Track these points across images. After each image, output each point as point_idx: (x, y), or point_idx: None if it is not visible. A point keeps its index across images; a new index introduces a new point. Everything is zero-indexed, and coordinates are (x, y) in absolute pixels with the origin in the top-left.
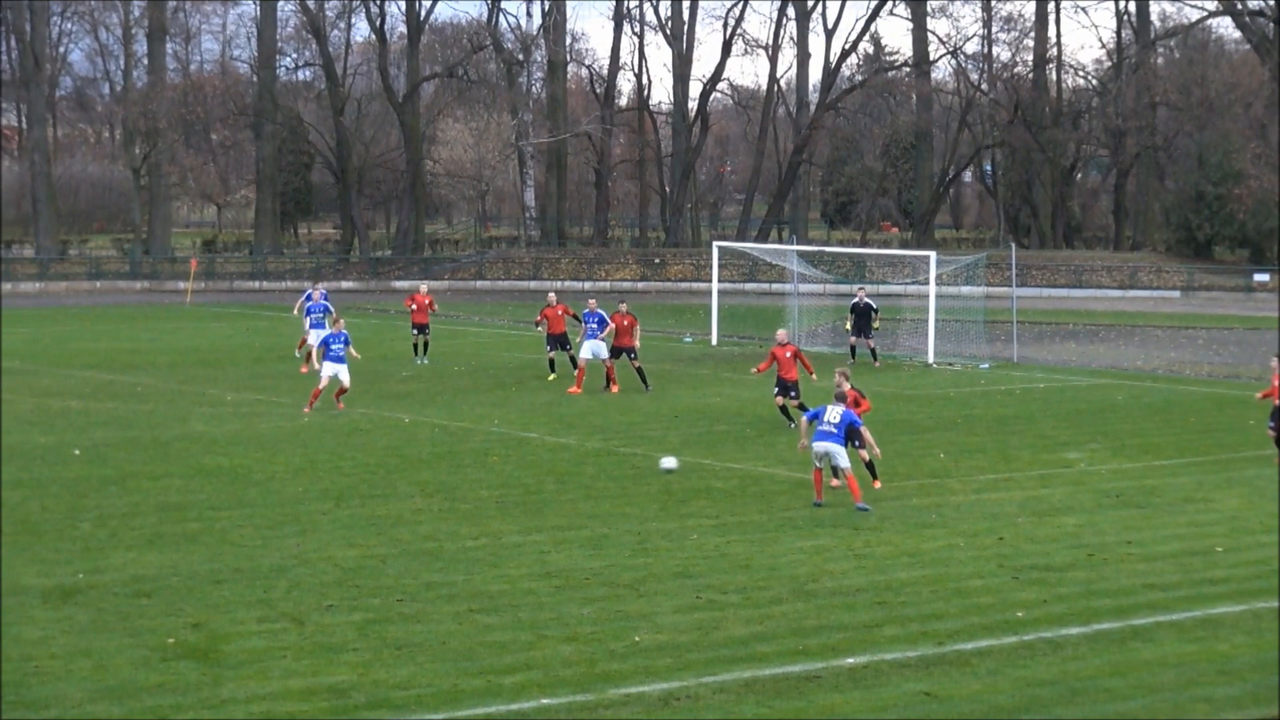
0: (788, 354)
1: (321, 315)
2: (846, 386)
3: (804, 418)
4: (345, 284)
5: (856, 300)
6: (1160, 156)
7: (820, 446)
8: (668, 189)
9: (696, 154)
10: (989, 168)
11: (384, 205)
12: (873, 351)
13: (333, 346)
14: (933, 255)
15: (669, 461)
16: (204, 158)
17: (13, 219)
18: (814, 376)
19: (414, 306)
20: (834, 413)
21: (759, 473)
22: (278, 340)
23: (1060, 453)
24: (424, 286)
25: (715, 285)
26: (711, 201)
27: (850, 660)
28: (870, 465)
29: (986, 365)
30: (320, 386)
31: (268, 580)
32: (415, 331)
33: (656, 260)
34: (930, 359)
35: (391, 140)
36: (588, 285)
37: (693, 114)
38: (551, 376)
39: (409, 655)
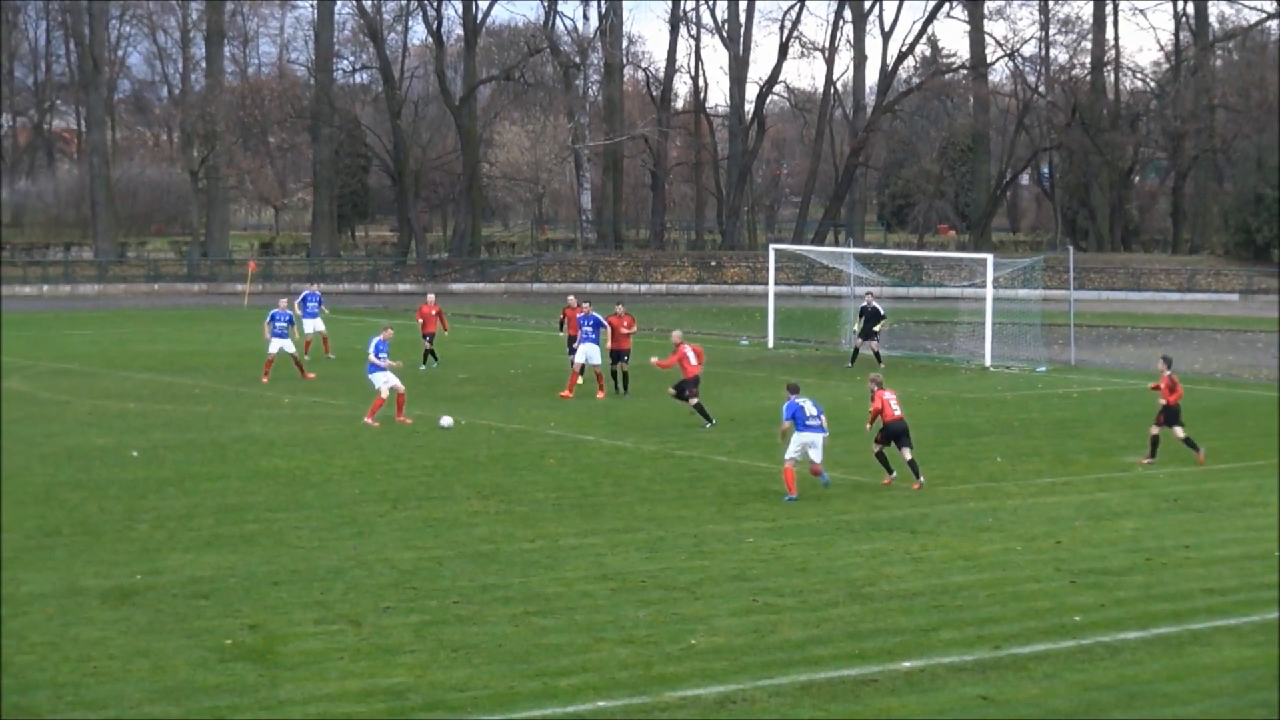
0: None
1: (286, 325)
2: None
3: (784, 420)
4: (402, 286)
5: (865, 304)
6: (1219, 159)
7: (809, 438)
8: (724, 192)
9: (753, 156)
10: (1046, 170)
11: (441, 208)
12: (876, 355)
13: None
14: (990, 258)
15: (446, 420)
16: (261, 160)
17: (72, 221)
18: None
19: (421, 320)
20: (812, 405)
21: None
22: (335, 343)
23: (1118, 456)
24: (431, 297)
25: (772, 288)
26: (768, 204)
27: (907, 664)
28: (913, 465)
29: (1044, 368)
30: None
31: (325, 582)
32: (426, 340)
33: (713, 263)
34: (987, 362)
35: (448, 143)
36: (644, 288)
37: (749, 116)
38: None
39: (465, 657)
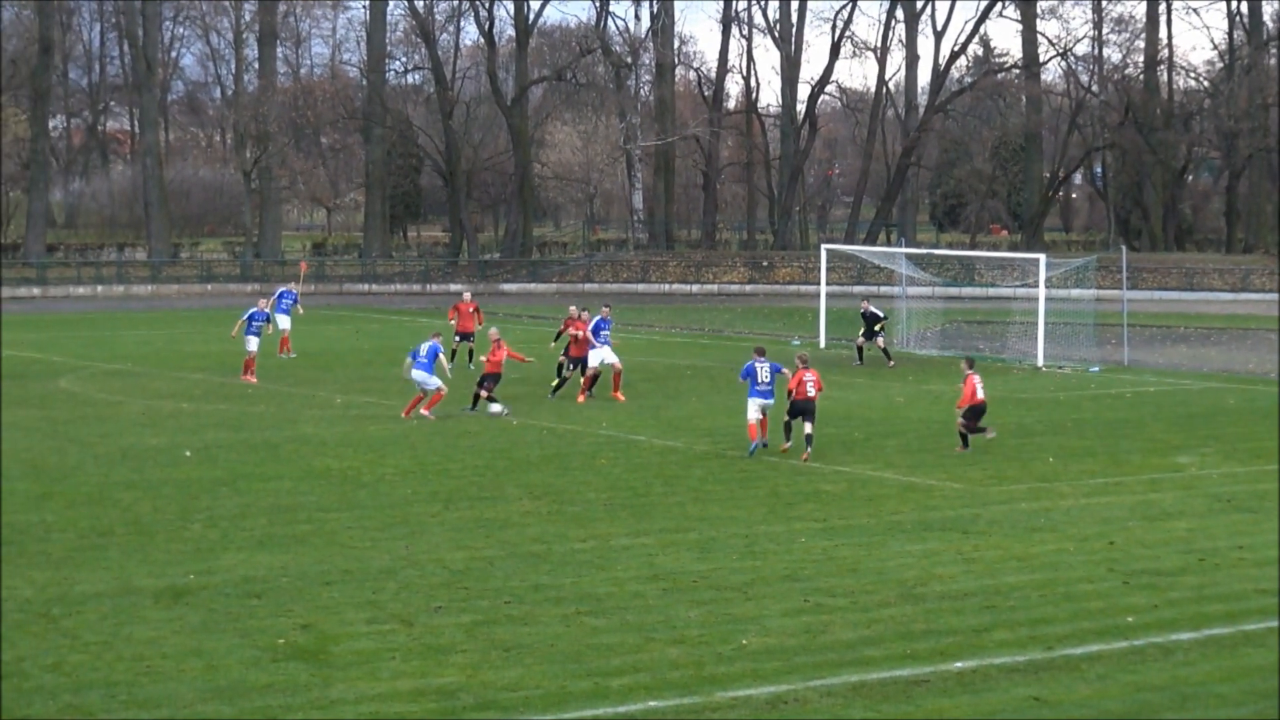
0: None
1: (262, 324)
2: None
3: (740, 377)
4: (454, 286)
5: (863, 309)
6: (1273, 158)
7: (761, 403)
8: (776, 192)
9: (804, 157)
10: (1099, 170)
11: (492, 208)
12: (885, 351)
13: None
14: (1042, 258)
15: (496, 408)
16: (314, 161)
17: (125, 222)
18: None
19: (456, 318)
20: (768, 371)
21: (866, 476)
22: (387, 343)
23: (1171, 457)
24: (468, 294)
25: (823, 288)
26: (819, 204)
27: (959, 665)
28: (808, 438)
29: (1096, 369)
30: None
31: (377, 582)
32: (459, 339)
33: (764, 263)
34: (1040, 362)
35: (500, 143)
36: (695, 288)
37: (801, 116)
38: (555, 381)
39: (517, 657)
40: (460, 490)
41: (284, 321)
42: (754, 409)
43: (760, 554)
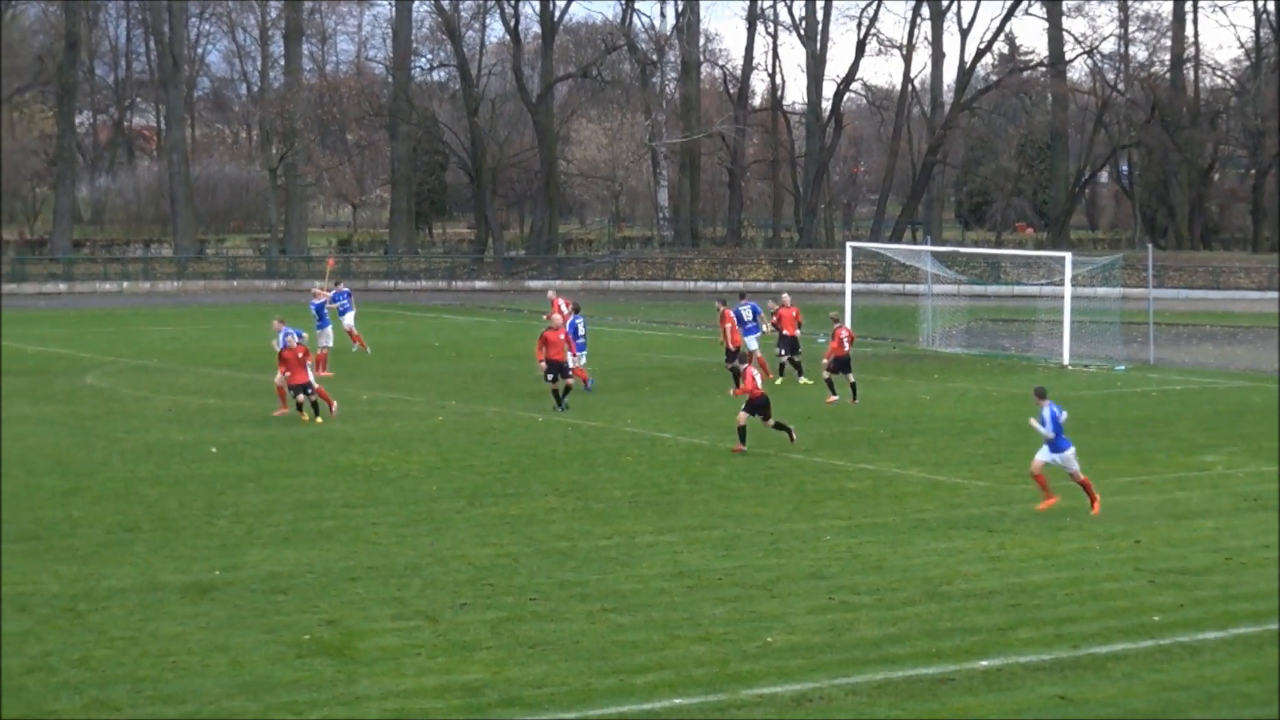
0: (560, 336)
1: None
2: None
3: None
4: (479, 284)
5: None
6: None
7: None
8: (801, 189)
9: (830, 154)
10: (1125, 168)
11: (518, 205)
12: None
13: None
14: (1068, 256)
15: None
16: (340, 158)
17: (151, 218)
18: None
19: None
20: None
21: (892, 474)
22: (412, 339)
23: (1197, 455)
24: (559, 307)
25: (849, 286)
26: (845, 202)
27: (984, 663)
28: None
29: (1122, 367)
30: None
31: (402, 578)
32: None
33: (790, 260)
34: (1065, 360)
35: (525, 140)
36: (720, 285)
37: (826, 114)
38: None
39: (542, 654)
40: (485, 487)
41: (349, 319)
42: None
43: (785, 551)
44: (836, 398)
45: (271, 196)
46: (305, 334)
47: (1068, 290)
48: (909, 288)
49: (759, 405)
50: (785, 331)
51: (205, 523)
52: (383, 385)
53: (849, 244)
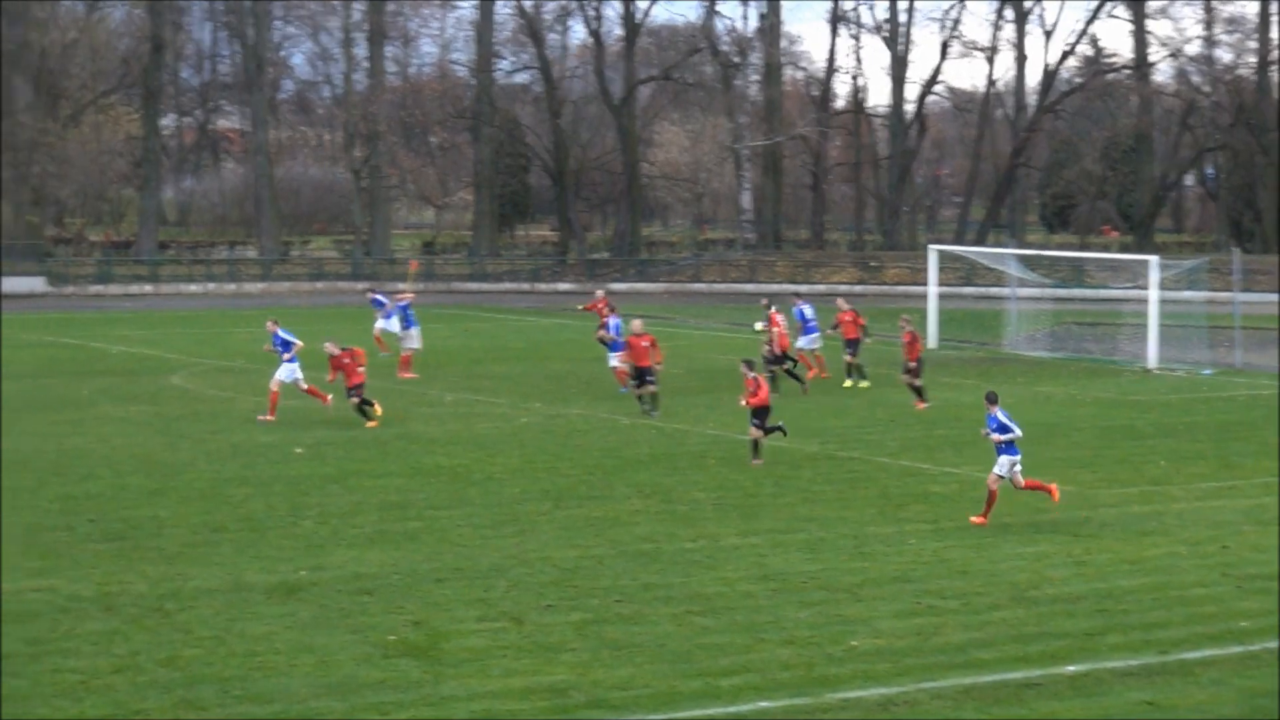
0: (644, 343)
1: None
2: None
3: None
4: (562, 285)
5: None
6: None
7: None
8: (884, 192)
9: (913, 157)
10: (1211, 171)
11: (600, 208)
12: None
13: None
14: (1154, 259)
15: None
16: (423, 160)
17: (236, 220)
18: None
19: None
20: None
21: (977, 478)
22: (495, 341)
23: None
24: (638, 323)
25: (932, 289)
26: (928, 204)
27: (1071, 668)
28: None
29: (1209, 371)
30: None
31: (487, 579)
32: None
33: (873, 263)
34: (1151, 364)
35: (608, 143)
36: (804, 288)
37: (909, 116)
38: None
39: (627, 656)
40: (570, 489)
41: (386, 324)
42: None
43: (870, 555)
44: (926, 404)
45: (355, 198)
46: (299, 341)
47: (1154, 294)
48: (993, 291)
49: (763, 414)
50: (847, 336)
51: (291, 523)
52: (467, 387)
53: (932, 247)
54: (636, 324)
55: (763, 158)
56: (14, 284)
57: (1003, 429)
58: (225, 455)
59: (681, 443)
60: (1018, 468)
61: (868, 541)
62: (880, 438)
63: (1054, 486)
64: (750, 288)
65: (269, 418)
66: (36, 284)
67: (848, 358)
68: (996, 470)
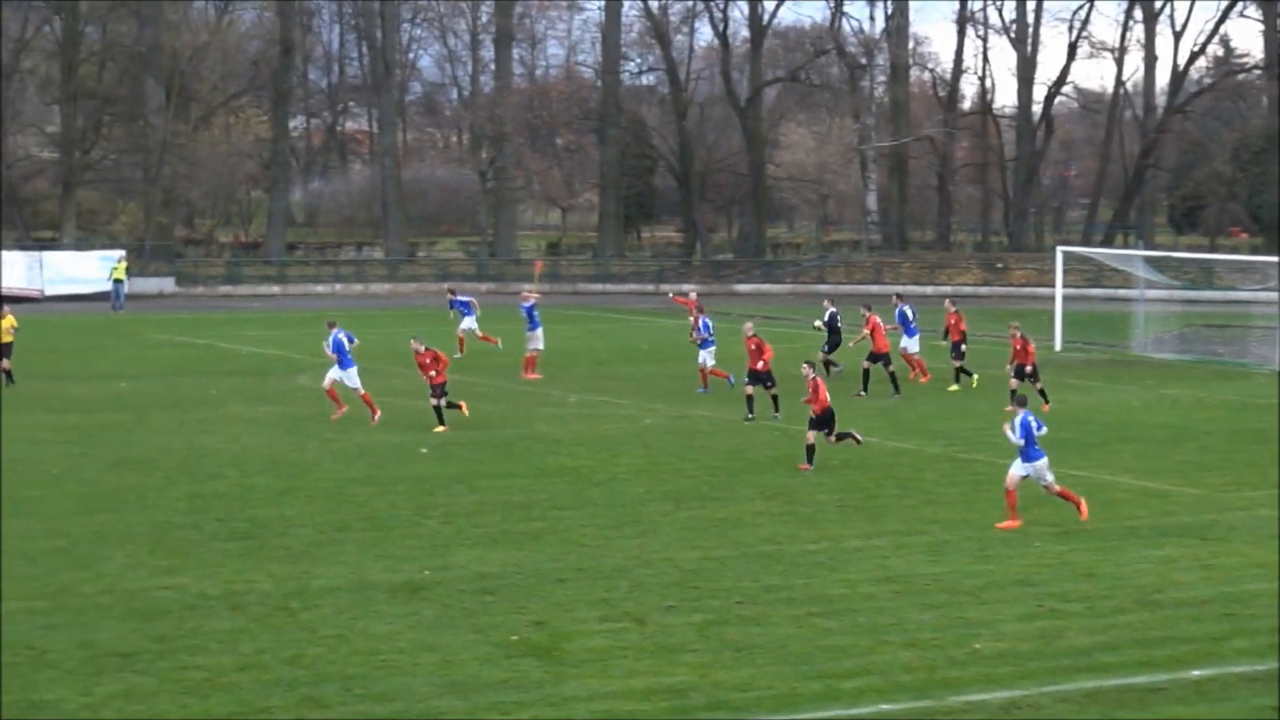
0: (751, 345)
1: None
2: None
3: None
4: (687, 287)
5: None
6: None
7: None
8: (1011, 193)
9: (1040, 158)
10: None
11: (726, 209)
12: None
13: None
14: None
15: None
16: (549, 161)
17: (363, 221)
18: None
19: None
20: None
21: (1103, 480)
22: (620, 342)
23: None
24: (750, 326)
25: (1059, 290)
26: (1055, 206)
27: (1196, 673)
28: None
29: None
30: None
31: (609, 580)
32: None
33: (999, 264)
34: None
35: (733, 144)
36: (929, 289)
37: (1037, 117)
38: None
39: (748, 657)
40: (692, 490)
41: (468, 323)
42: None
43: (993, 558)
44: (1049, 405)
45: (481, 200)
46: (356, 338)
47: None
48: (1120, 293)
49: (825, 420)
50: (951, 338)
51: (415, 523)
52: (591, 388)
53: (1060, 248)
54: (748, 326)
55: (888, 159)
56: (144, 284)
57: (1029, 434)
58: (351, 455)
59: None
60: (1049, 473)
61: (991, 544)
62: (1005, 440)
63: (1083, 503)
64: (875, 289)
65: (340, 411)
66: (167, 284)
67: (956, 362)
68: (1014, 472)
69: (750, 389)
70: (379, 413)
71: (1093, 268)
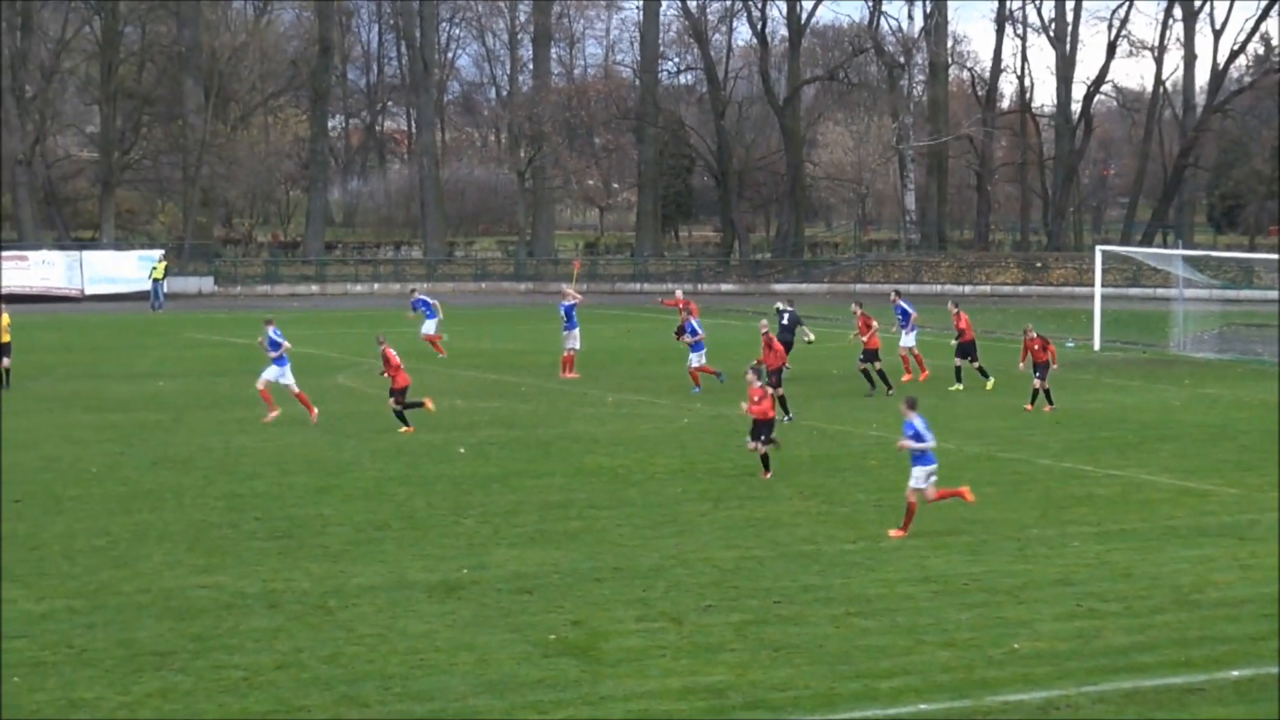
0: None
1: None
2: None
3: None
4: (724, 286)
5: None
6: None
7: None
8: (1050, 192)
9: (1079, 157)
10: None
11: (764, 208)
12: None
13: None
14: None
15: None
16: (587, 161)
17: (402, 221)
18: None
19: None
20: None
21: (1141, 480)
22: (658, 342)
23: None
24: (766, 322)
25: (1098, 290)
26: (1094, 205)
27: (1235, 673)
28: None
29: None
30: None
31: (647, 579)
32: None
33: (1038, 264)
34: None
35: (772, 143)
36: (968, 289)
37: (1076, 116)
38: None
39: (786, 657)
40: (730, 489)
41: (429, 326)
42: None
43: (1032, 557)
44: (1053, 406)
45: (519, 199)
46: (285, 342)
47: None
48: (1159, 292)
49: (763, 428)
50: (964, 340)
51: (452, 522)
52: (629, 387)
53: (1099, 247)
54: (764, 323)
55: (927, 158)
56: (183, 283)
57: (918, 437)
58: (389, 454)
59: (843, 444)
60: (933, 478)
61: (1030, 544)
62: (1043, 439)
63: (965, 489)
64: (914, 288)
65: (271, 414)
66: (205, 283)
67: (974, 364)
68: (913, 483)
69: (781, 390)
70: (315, 410)
71: (1132, 267)
